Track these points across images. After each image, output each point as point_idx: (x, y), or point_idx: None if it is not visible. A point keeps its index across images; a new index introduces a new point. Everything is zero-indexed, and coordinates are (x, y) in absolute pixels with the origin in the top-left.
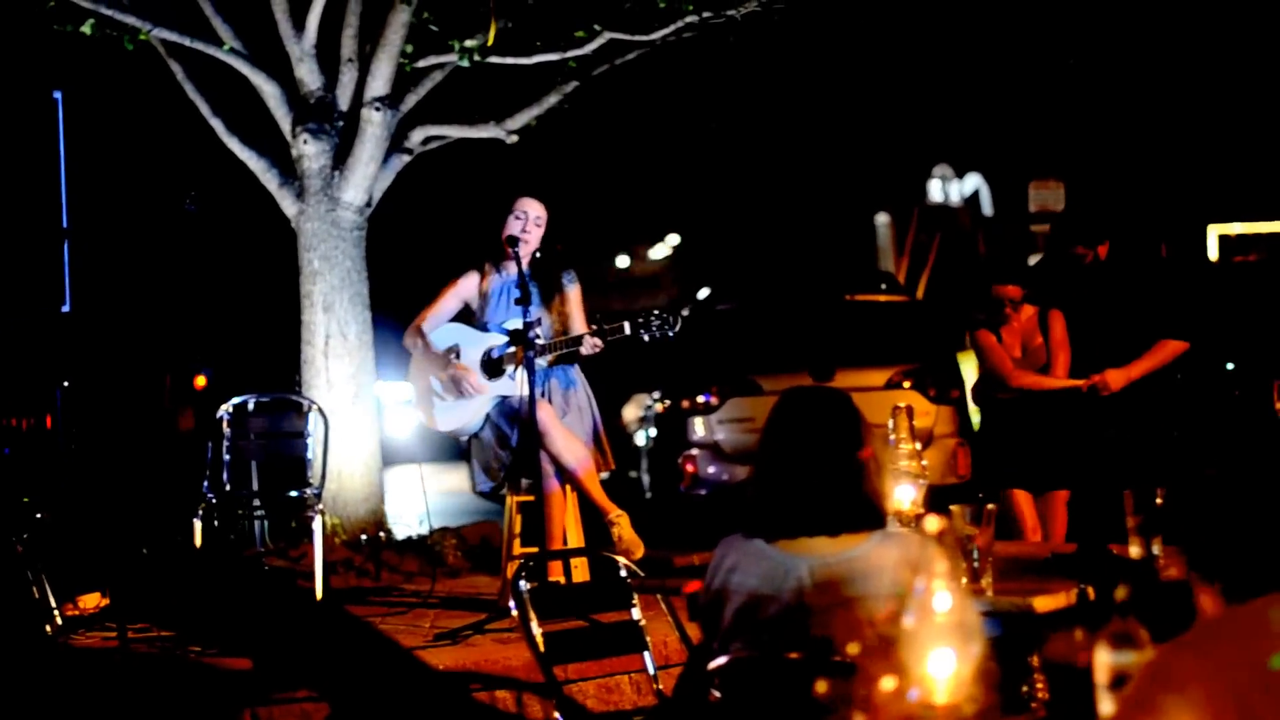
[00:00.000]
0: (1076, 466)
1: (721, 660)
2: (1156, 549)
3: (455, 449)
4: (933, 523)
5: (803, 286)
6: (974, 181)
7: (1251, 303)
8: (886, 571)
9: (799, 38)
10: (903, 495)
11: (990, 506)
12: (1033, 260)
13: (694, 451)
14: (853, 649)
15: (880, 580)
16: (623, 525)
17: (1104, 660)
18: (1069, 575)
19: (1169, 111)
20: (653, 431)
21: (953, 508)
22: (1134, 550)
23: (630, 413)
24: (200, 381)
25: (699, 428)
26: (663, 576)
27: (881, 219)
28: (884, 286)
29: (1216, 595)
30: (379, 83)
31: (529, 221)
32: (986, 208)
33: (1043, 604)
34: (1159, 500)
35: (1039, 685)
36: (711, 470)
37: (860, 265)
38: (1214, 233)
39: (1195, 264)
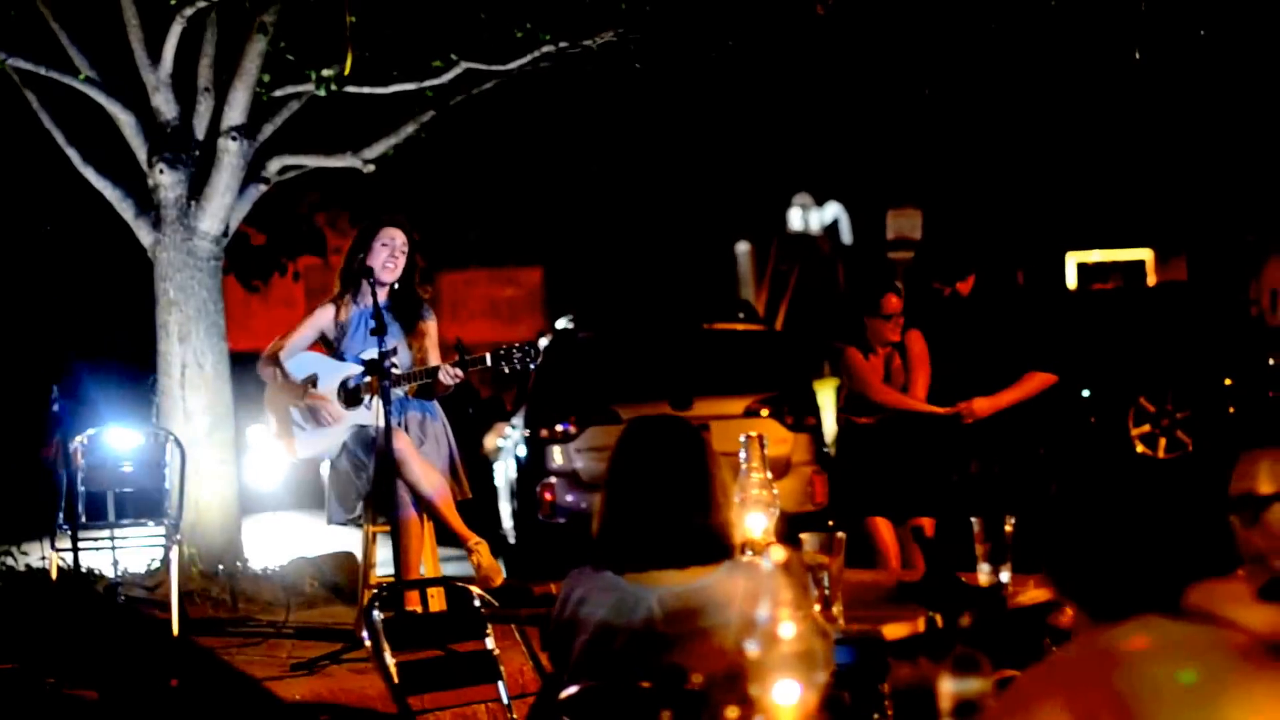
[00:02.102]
0: (937, 495)
1: (572, 690)
2: (1005, 576)
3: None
4: (778, 552)
5: (661, 316)
6: (833, 210)
7: (1108, 330)
8: (735, 601)
9: (658, 67)
10: (754, 524)
11: (840, 535)
12: None
13: (552, 480)
14: (699, 679)
15: (729, 610)
16: (481, 553)
17: (948, 687)
18: (919, 603)
19: (1026, 139)
20: (513, 460)
21: (803, 536)
22: (983, 578)
23: (491, 441)
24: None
25: (557, 456)
26: (518, 605)
27: (742, 248)
28: (741, 315)
29: (1078, 616)
30: (236, 112)
31: (395, 249)
32: (846, 236)
33: (892, 632)
34: (1008, 528)
35: (889, 713)
36: (570, 498)
37: (719, 294)
38: (1072, 260)
39: (1054, 291)
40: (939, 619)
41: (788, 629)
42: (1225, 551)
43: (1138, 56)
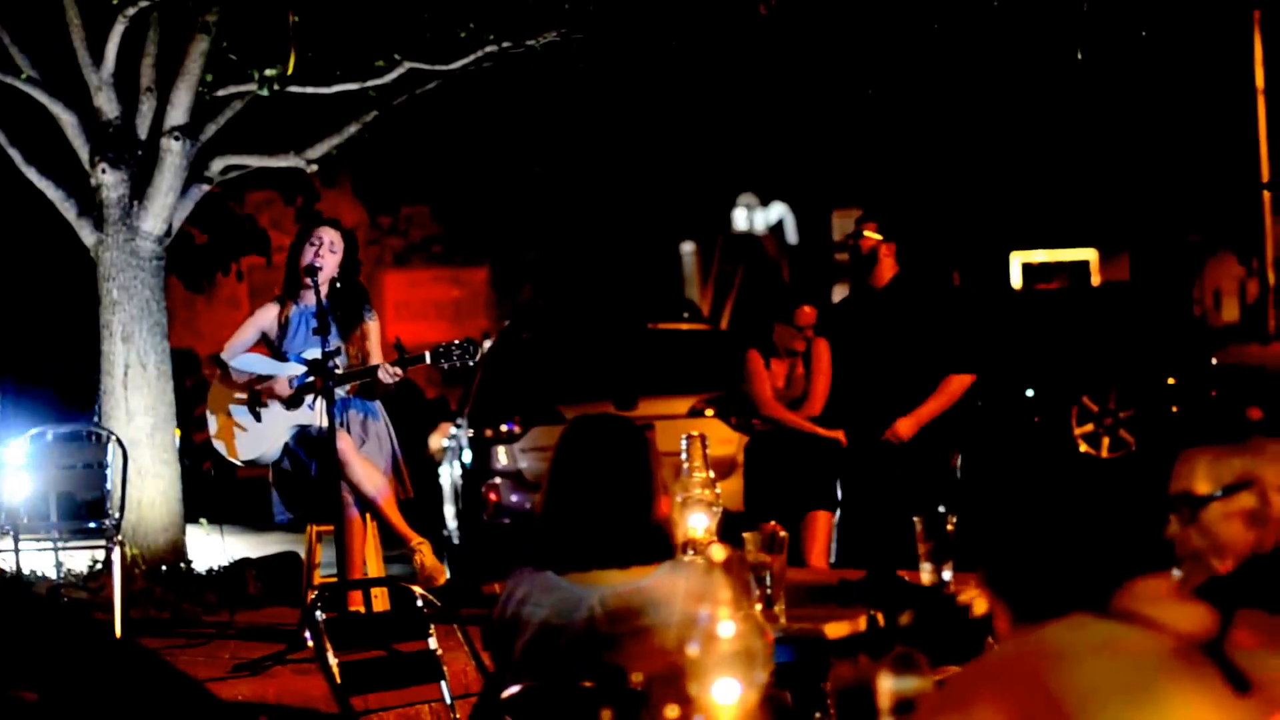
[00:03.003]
0: (828, 494)
1: (513, 689)
2: (947, 575)
3: None
4: (718, 551)
5: (605, 315)
6: (779, 210)
7: (1052, 330)
8: (676, 601)
9: (602, 67)
10: (696, 523)
11: (783, 534)
12: (838, 292)
13: (497, 480)
14: (638, 678)
15: (670, 609)
16: (424, 553)
17: (888, 686)
18: (860, 602)
19: (972, 139)
20: (458, 460)
21: (745, 535)
22: (925, 576)
23: (436, 441)
24: None
25: (502, 456)
26: (459, 605)
27: (687, 248)
28: (686, 315)
29: (1008, 616)
30: (178, 112)
31: (323, 247)
32: (791, 236)
33: (834, 630)
34: (949, 526)
35: (830, 712)
36: (515, 498)
37: (664, 294)
38: (1017, 260)
39: (997, 291)
40: (880, 618)
41: (727, 628)
42: (1160, 551)
43: (1080, 57)
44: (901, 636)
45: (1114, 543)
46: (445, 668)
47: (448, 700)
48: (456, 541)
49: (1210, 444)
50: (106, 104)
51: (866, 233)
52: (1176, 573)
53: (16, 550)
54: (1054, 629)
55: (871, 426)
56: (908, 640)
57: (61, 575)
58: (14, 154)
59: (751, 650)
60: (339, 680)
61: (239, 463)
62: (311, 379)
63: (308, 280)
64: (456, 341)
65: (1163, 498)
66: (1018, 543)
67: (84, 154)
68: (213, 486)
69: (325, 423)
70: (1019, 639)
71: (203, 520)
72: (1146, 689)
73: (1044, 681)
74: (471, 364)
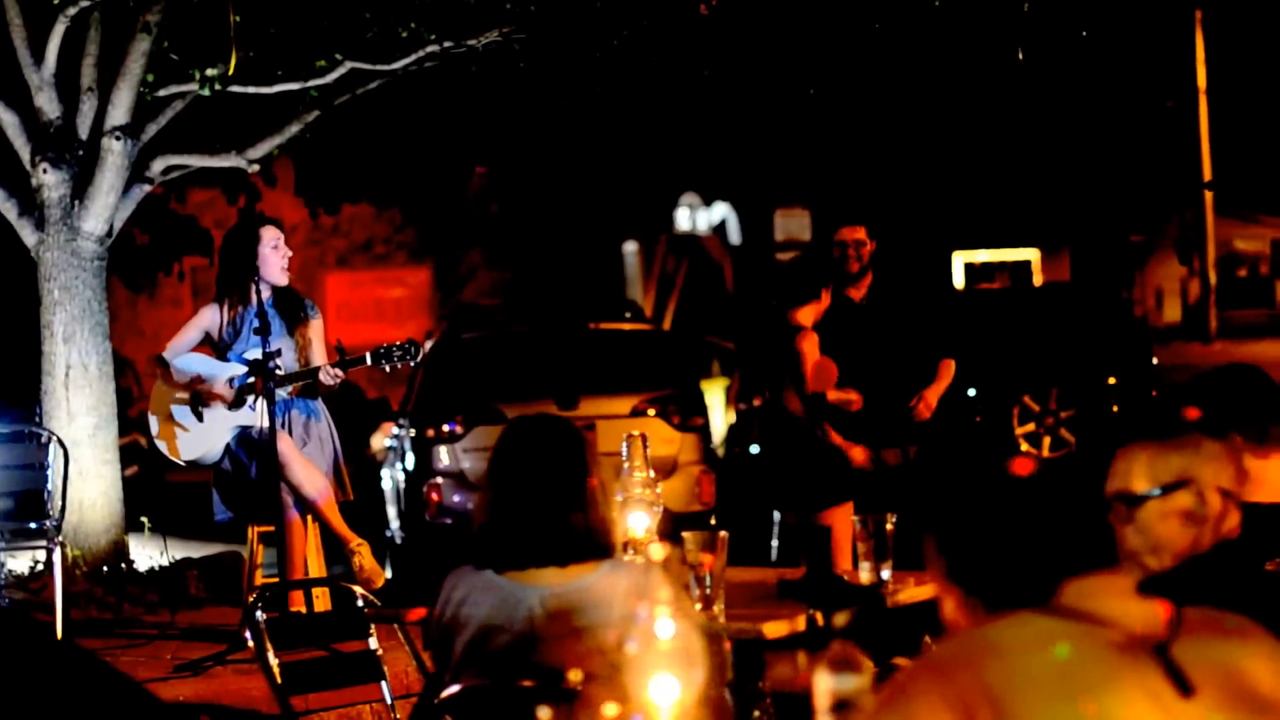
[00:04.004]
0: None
1: (453, 689)
2: (886, 574)
3: None
4: (658, 550)
5: (547, 315)
6: (721, 210)
7: (994, 329)
8: (617, 600)
9: (544, 67)
10: (636, 523)
11: (722, 534)
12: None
13: (439, 480)
14: (576, 677)
15: (610, 609)
16: (364, 554)
17: (824, 685)
18: (799, 601)
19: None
20: (400, 460)
21: (684, 534)
22: (864, 576)
23: (378, 442)
24: None
25: (444, 456)
26: (399, 606)
27: (630, 247)
28: (628, 315)
29: (965, 609)
30: (119, 112)
31: (266, 246)
32: (734, 236)
33: (773, 630)
34: (889, 526)
35: (769, 711)
36: (457, 499)
37: (607, 294)
38: (959, 260)
39: (941, 291)
40: (819, 617)
41: (665, 627)
42: (1102, 549)
43: (1021, 57)
44: (837, 635)
45: (1057, 540)
46: (386, 668)
47: (388, 700)
48: (399, 542)
49: (1148, 442)
50: (47, 104)
51: (859, 236)
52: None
53: None
54: (997, 625)
55: (875, 427)
56: (846, 639)
57: (2, 576)
58: None
59: (691, 649)
60: (279, 680)
61: (182, 463)
62: (252, 380)
63: (251, 280)
64: (397, 343)
65: (1100, 496)
66: (967, 540)
67: (25, 154)
68: (153, 490)
69: (266, 423)
70: (962, 635)
71: (145, 520)
72: (1086, 686)
73: (982, 675)
74: (413, 365)
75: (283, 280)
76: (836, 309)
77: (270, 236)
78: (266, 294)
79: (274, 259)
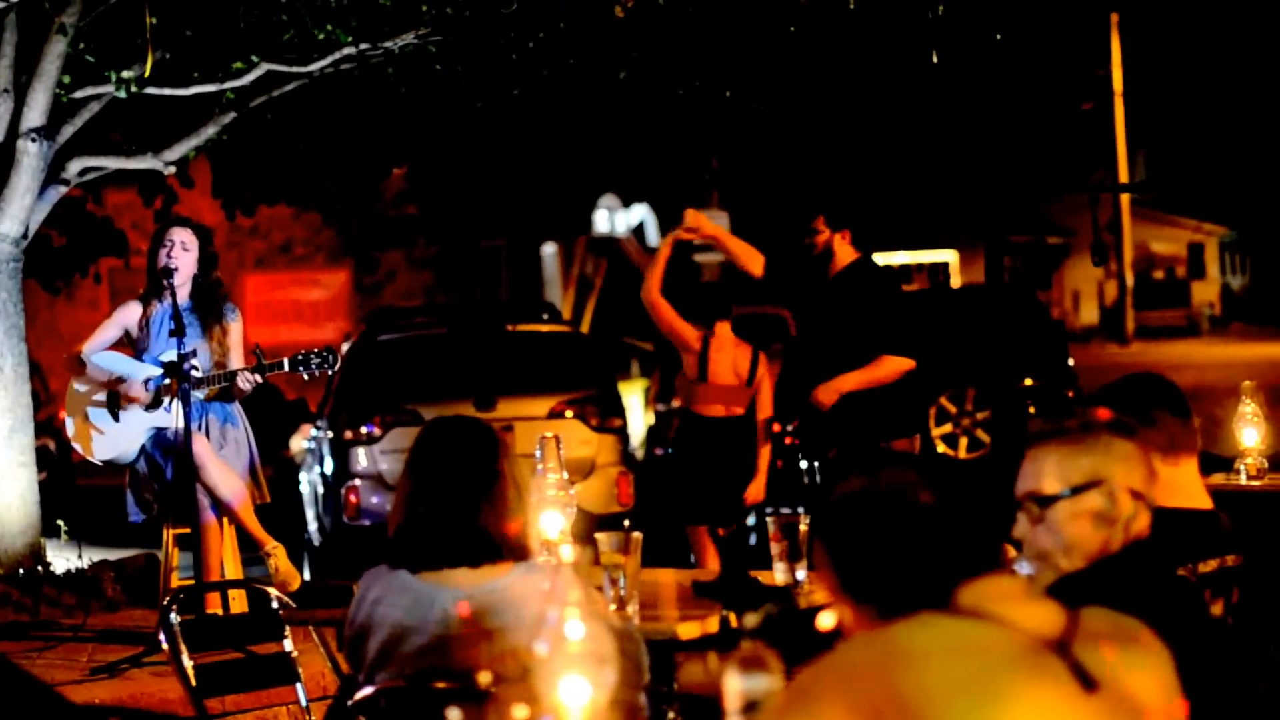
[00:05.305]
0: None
1: (366, 691)
2: (801, 574)
3: None
4: (569, 552)
5: (465, 317)
6: (640, 212)
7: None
8: (530, 602)
9: (461, 70)
10: (550, 525)
11: (636, 535)
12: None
13: (357, 482)
14: (485, 678)
15: (523, 611)
16: (279, 557)
17: (734, 686)
18: (714, 602)
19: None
20: (318, 462)
21: (598, 536)
22: (778, 577)
23: (296, 444)
24: None
25: (362, 458)
26: (316, 608)
27: (548, 249)
28: (546, 317)
29: (858, 615)
30: (35, 114)
31: (175, 248)
32: (652, 238)
33: (686, 631)
34: (803, 527)
35: (678, 712)
36: (375, 500)
37: (525, 295)
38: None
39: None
40: (733, 618)
41: (576, 629)
42: (991, 551)
43: (935, 60)
44: (747, 637)
45: (958, 541)
46: (302, 670)
47: (303, 702)
48: (317, 543)
49: (1058, 443)
50: None
51: (816, 226)
52: (1025, 570)
53: None
54: (901, 628)
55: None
56: (754, 640)
57: None
58: None
59: (602, 651)
60: (194, 683)
61: (98, 463)
62: (168, 381)
63: (165, 281)
64: (316, 350)
65: (1010, 497)
66: (864, 542)
67: None
68: (65, 495)
69: (182, 425)
70: (865, 638)
71: (61, 524)
72: (993, 687)
73: (890, 681)
74: (330, 370)
75: (177, 280)
76: (812, 289)
77: (177, 237)
78: (184, 296)
79: (181, 259)
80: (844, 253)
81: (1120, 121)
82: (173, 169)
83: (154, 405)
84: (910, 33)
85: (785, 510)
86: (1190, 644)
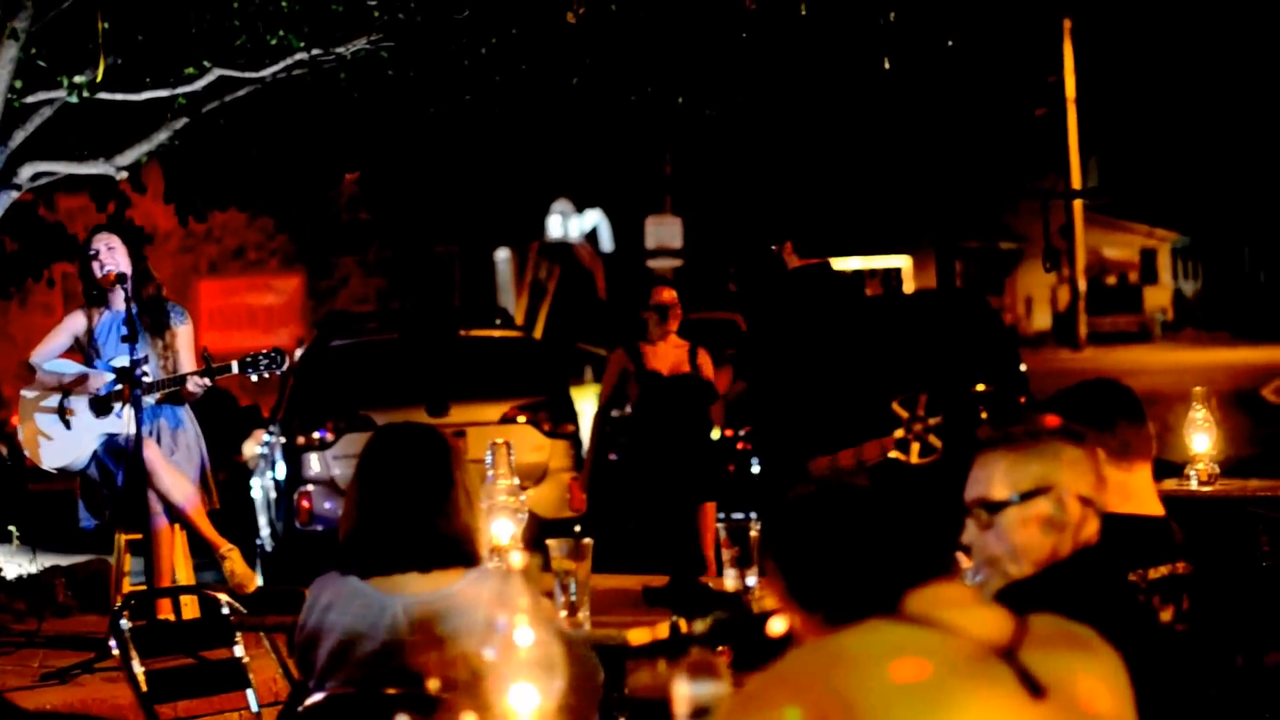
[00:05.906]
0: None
1: (317, 697)
2: (751, 580)
3: None
4: (519, 558)
5: (418, 322)
6: (593, 217)
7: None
8: (480, 608)
9: (414, 76)
10: (500, 531)
11: (586, 540)
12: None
13: (310, 488)
14: (434, 685)
15: (474, 617)
16: (234, 559)
17: (683, 692)
18: (665, 608)
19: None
20: (270, 468)
21: (549, 542)
22: (728, 582)
23: (249, 449)
24: None
25: (314, 464)
26: (268, 613)
27: (502, 254)
28: (499, 322)
29: (807, 622)
30: None
31: (103, 253)
32: (606, 243)
33: (636, 636)
34: (754, 533)
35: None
36: (328, 506)
37: (478, 300)
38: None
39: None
40: (683, 624)
41: (524, 635)
42: (939, 557)
43: (887, 66)
44: (696, 643)
45: (906, 548)
46: (253, 675)
47: (254, 708)
48: (269, 549)
49: (1007, 449)
50: None
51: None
52: (973, 577)
53: None
54: (849, 634)
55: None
56: (703, 646)
57: None
58: None
59: (551, 657)
60: (145, 689)
61: (51, 470)
62: (119, 387)
63: (121, 287)
64: (264, 352)
65: (959, 502)
66: (810, 547)
67: None
68: (15, 501)
69: (133, 431)
70: (814, 645)
71: (13, 530)
72: (940, 693)
73: (838, 687)
74: (280, 374)
75: (99, 273)
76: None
77: (100, 244)
78: (131, 302)
79: (115, 259)
80: (792, 264)
81: (1073, 127)
82: (125, 174)
83: (105, 411)
84: (862, 39)
85: (737, 515)
86: (1139, 650)
